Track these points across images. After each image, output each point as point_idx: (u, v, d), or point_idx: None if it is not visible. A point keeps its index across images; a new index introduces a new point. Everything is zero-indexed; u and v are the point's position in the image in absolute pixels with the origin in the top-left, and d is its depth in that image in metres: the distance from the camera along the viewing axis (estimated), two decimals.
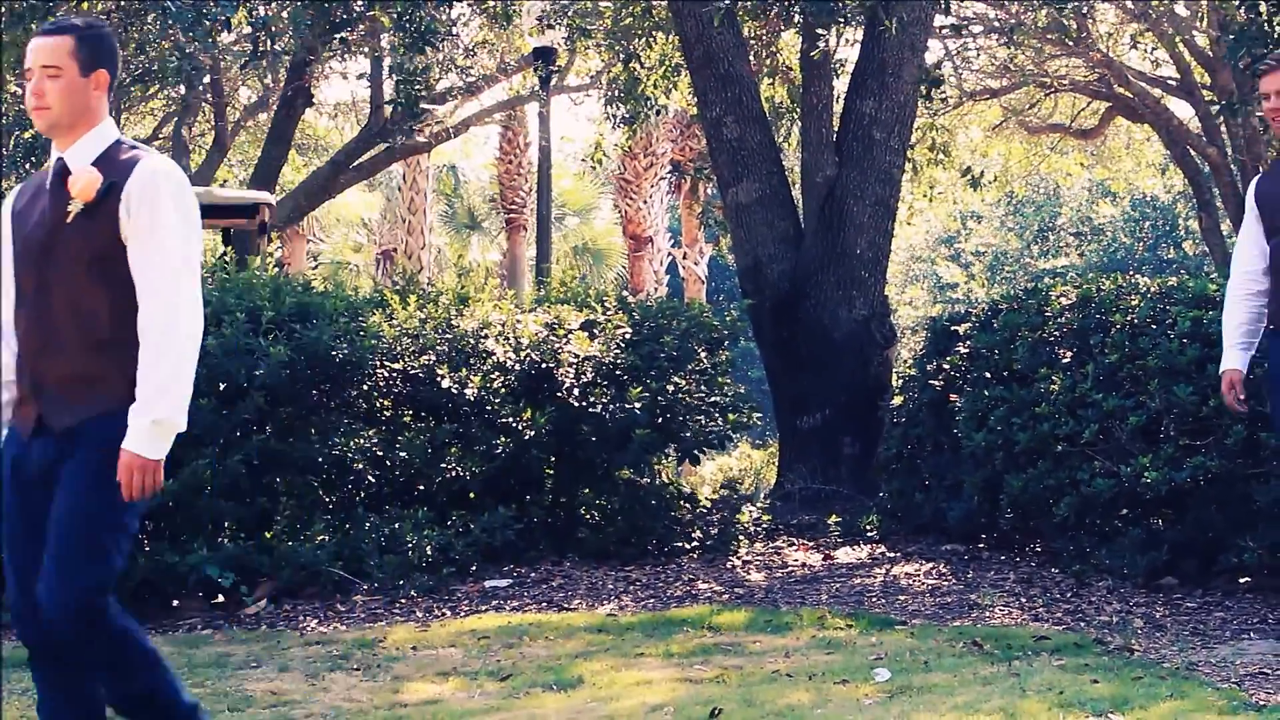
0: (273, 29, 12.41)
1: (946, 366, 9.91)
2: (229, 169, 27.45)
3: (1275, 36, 10.60)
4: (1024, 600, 8.16)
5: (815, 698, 5.89)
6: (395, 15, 12.81)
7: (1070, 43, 18.88)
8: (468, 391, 9.39)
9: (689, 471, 13.76)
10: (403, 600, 8.51)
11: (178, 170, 4.63)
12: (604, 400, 9.61)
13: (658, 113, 17.35)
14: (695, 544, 9.97)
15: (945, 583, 8.77)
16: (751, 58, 14.23)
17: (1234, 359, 6.99)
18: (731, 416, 10.10)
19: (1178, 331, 8.24)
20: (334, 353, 8.90)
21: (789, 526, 10.95)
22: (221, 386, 8.65)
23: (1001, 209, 38.85)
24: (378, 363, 9.27)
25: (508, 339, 9.69)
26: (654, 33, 16.07)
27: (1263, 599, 7.91)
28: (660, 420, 9.68)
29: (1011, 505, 9.06)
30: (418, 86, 13.18)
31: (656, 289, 30.17)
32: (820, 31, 12.00)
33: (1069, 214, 38.94)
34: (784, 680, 6.25)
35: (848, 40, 13.77)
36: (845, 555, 9.93)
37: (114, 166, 4.60)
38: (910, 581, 8.89)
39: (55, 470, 4.54)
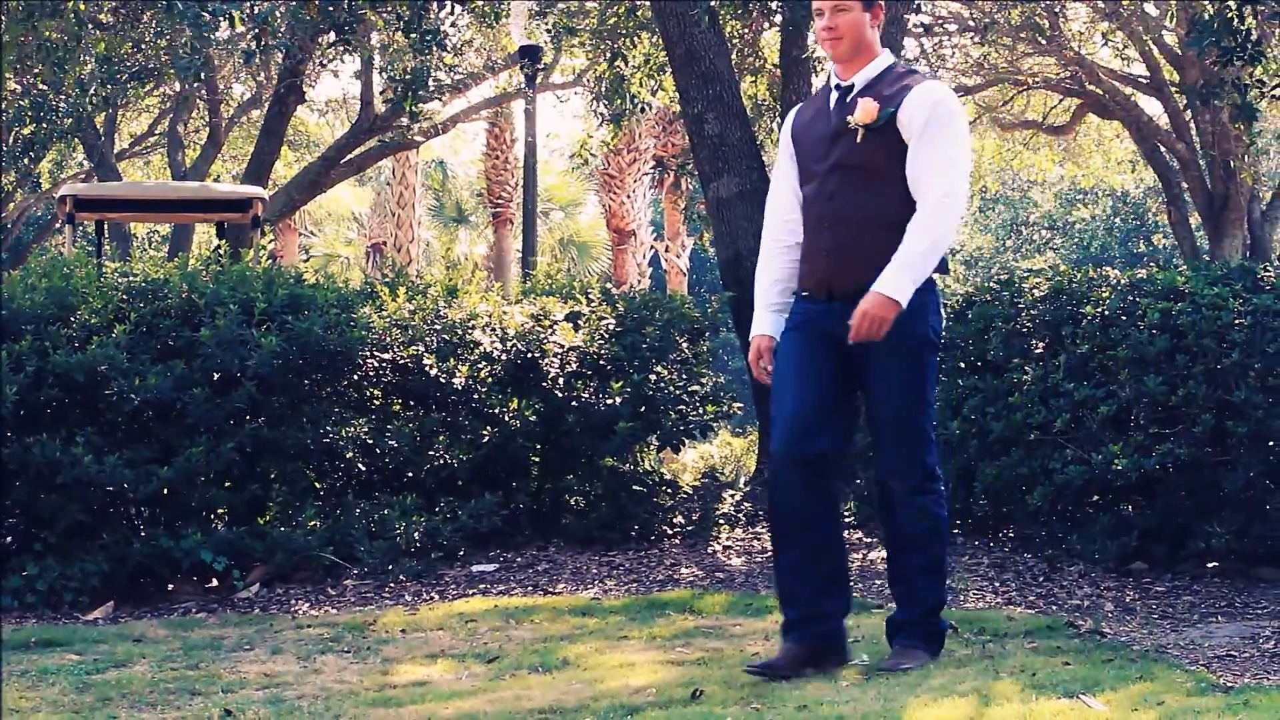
0: (273, 22, 12.50)
1: None
2: (223, 164, 27.54)
3: (1243, 31, 10.71)
4: (997, 585, 8.24)
5: (794, 680, 5.90)
6: (397, 16, 12.87)
7: (1042, 41, 19.02)
8: (455, 381, 9.48)
9: (670, 459, 13.82)
10: (392, 584, 8.61)
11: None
12: (588, 390, 9.71)
13: (641, 110, 17.44)
14: (677, 530, 10.07)
15: None
16: (733, 56, 14.34)
17: (764, 323, 6.13)
18: (712, 406, 10.18)
19: (1147, 323, 8.30)
20: (325, 343, 8.97)
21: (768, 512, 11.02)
22: (215, 376, 8.76)
23: (975, 204, 38.87)
24: (368, 353, 9.35)
25: (494, 330, 9.77)
26: (638, 32, 16.16)
27: (1230, 583, 8.02)
28: (643, 409, 9.78)
29: (985, 492, 9.14)
30: (420, 89, 13.23)
31: (640, 281, 30.25)
32: (803, 18, 12.11)
33: (1042, 211, 38.99)
34: None
35: None
36: None
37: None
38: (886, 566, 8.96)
39: None
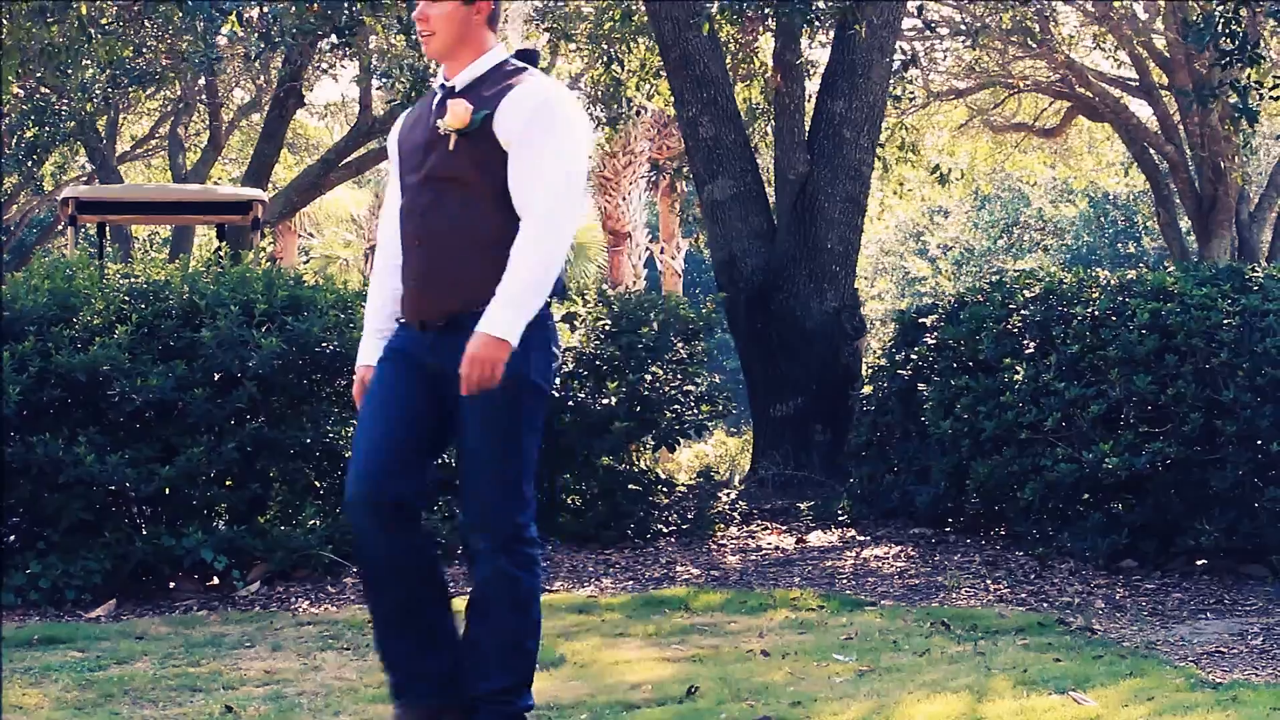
0: (282, 21, 12.58)
1: (914, 357, 10.05)
2: (223, 167, 27.60)
3: (1240, 33, 10.77)
4: (989, 582, 8.30)
5: (789, 676, 5.99)
6: (397, 19, 12.94)
7: (1033, 44, 19.10)
8: None
9: (666, 458, 13.86)
10: None
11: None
12: (584, 390, 9.76)
13: (637, 113, 17.49)
14: (673, 528, 10.12)
15: (913, 565, 8.90)
16: (727, 59, 14.41)
17: (367, 352, 5.14)
18: (707, 406, 10.23)
19: (1137, 323, 8.38)
20: (324, 344, 8.99)
21: (763, 511, 11.10)
22: (216, 376, 8.78)
23: (967, 205, 38.92)
24: None
25: None
26: (634, 37, 16.22)
27: (1218, 580, 8.10)
28: (638, 409, 9.81)
29: (977, 490, 9.21)
30: (422, 82, 13.31)
31: (635, 282, 30.27)
32: (798, 23, 12.18)
33: (1033, 212, 39.03)
34: (759, 659, 6.36)
35: (820, 43, 13.98)
36: (817, 539, 10.05)
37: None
38: (879, 564, 9.01)
39: None
